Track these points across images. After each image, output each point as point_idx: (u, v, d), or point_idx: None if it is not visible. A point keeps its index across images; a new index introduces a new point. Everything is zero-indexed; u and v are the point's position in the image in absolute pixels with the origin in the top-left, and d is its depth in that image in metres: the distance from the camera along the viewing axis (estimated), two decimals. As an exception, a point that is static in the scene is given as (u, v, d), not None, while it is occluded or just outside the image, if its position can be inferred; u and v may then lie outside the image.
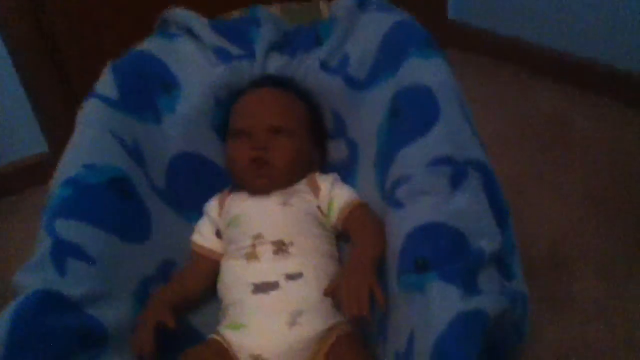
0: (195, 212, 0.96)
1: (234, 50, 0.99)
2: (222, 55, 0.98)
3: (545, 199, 1.33)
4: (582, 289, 1.10)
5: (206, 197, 0.96)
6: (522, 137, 1.56)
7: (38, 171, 1.69)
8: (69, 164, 0.86)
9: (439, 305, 0.62)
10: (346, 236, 0.90)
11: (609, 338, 1.00)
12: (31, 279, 0.74)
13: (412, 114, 0.82)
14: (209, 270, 0.90)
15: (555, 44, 1.82)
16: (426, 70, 0.84)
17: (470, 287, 0.65)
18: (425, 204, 0.74)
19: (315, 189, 0.90)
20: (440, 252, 0.68)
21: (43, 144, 1.72)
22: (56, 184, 0.85)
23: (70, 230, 0.79)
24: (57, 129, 1.68)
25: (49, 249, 0.76)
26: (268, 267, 0.81)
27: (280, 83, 0.95)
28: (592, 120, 1.61)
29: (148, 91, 0.97)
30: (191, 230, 0.94)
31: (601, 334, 1.01)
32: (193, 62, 0.98)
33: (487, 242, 0.70)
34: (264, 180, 0.88)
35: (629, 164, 1.42)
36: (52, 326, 0.70)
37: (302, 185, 0.91)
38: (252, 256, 0.83)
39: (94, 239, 0.80)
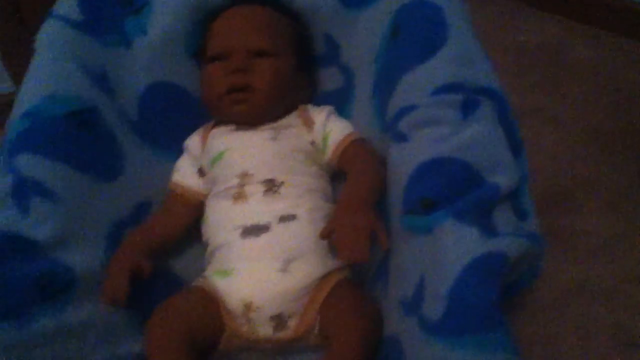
0: (173, 149, 0.86)
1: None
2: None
3: (544, 132, 1.26)
4: (585, 223, 1.04)
5: (186, 133, 0.86)
6: (519, 69, 1.48)
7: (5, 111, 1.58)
8: (28, 95, 0.76)
9: (453, 247, 0.54)
10: (342, 175, 0.82)
11: (616, 273, 0.95)
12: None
13: (417, 34, 0.72)
14: (191, 212, 0.82)
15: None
16: (432, -17, 0.74)
17: (485, 227, 0.58)
18: (432, 136, 0.65)
19: (309, 123, 0.80)
20: (450, 190, 0.60)
21: (7, 81, 1.60)
22: (15, 117, 0.75)
23: (32, 166, 0.69)
24: (23, 63, 1.56)
25: (9, 186, 0.67)
26: (258, 209, 0.73)
27: (264, 0, 0.84)
28: (590, 51, 1.53)
29: (114, 11, 0.85)
30: (169, 170, 0.85)
31: (607, 270, 0.96)
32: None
33: (502, 177, 0.62)
34: (242, 106, 0.78)
35: (629, 94, 1.35)
36: (8, 274, 0.62)
37: (293, 119, 0.81)
38: (240, 197, 0.74)
39: (58, 176, 0.70)
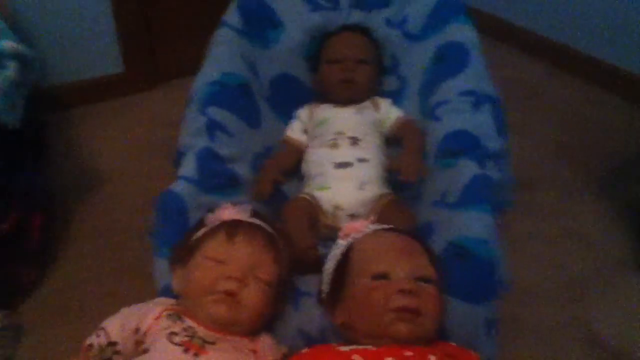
0: (287, 116, 1.36)
1: (323, 2, 1.38)
2: (314, 4, 1.38)
3: (520, 139, 1.78)
4: (535, 198, 1.55)
5: (295, 106, 1.35)
6: (504, 94, 2.00)
7: (113, 87, 2.06)
8: (211, 71, 1.25)
9: (466, 170, 1.04)
10: (391, 143, 1.31)
11: (556, 229, 1.46)
12: (196, 141, 1.14)
13: (451, 61, 1.24)
14: (296, 155, 1.30)
15: (539, 29, 2.28)
16: (463, 32, 1.26)
17: (482, 167, 1.08)
18: (456, 118, 1.16)
19: (377, 107, 1.31)
20: (465, 146, 1.11)
21: (121, 66, 2.07)
22: (202, 84, 1.23)
23: (217, 113, 1.18)
24: (136, 53, 2.05)
25: (204, 124, 1.16)
26: (346, 153, 1.21)
27: (362, 30, 1.35)
28: (557, 88, 2.09)
29: (261, 26, 1.36)
30: (283, 128, 1.34)
31: (551, 227, 1.47)
32: (293, 8, 1.38)
33: (492, 144, 1.12)
34: (348, 92, 1.28)
35: (582, 121, 1.90)
36: (215, 168, 1.11)
37: (368, 103, 1.32)
38: (334, 146, 1.23)
39: (231, 121, 1.19)
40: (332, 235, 1.09)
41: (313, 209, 1.18)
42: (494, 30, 2.38)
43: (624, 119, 1.92)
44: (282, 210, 1.16)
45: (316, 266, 1.01)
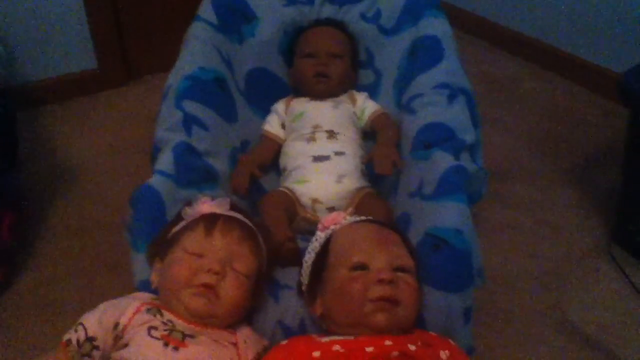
0: (263, 110, 1.36)
1: (298, -4, 1.39)
2: (289, -1, 1.39)
3: (496, 133, 1.81)
4: (514, 188, 1.58)
5: (273, 100, 1.35)
6: (484, 90, 2.03)
7: (86, 83, 2.03)
8: (186, 65, 1.24)
9: (441, 162, 1.05)
10: (368, 136, 1.32)
11: (530, 219, 1.49)
12: (172, 135, 1.13)
13: (425, 54, 1.25)
14: (274, 149, 1.30)
15: (514, 25, 2.31)
16: (436, 25, 1.27)
17: (457, 158, 1.09)
18: (431, 111, 1.17)
19: (353, 100, 1.32)
20: (439, 138, 1.12)
21: (94, 62, 2.04)
22: (177, 78, 1.22)
23: (193, 108, 1.17)
24: (109, 49, 2.03)
25: (180, 119, 1.15)
26: (323, 146, 1.22)
27: (337, 24, 1.36)
28: (534, 82, 2.12)
29: (235, 20, 1.35)
30: (260, 122, 1.34)
31: (526, 217, 1.50)
32: (267, 2, 1.38)
33: (467, 136, 1.14)
34: (323, 86, 1.29)
35: (558, 113, 1.93)
36: (192, 162, 1.10)
37: (344, 97, 1.32)
38: (312, 139, 1.24)
39: (207, 115, 1.18)
40: (311, 228, 1.09)
41: (291, 202, 1.19)
42: (468, 26, 2.41)
43: (595, 111, 1.96)
44: (260, 203, 1.16)
45: (296, 259, 1.02)
